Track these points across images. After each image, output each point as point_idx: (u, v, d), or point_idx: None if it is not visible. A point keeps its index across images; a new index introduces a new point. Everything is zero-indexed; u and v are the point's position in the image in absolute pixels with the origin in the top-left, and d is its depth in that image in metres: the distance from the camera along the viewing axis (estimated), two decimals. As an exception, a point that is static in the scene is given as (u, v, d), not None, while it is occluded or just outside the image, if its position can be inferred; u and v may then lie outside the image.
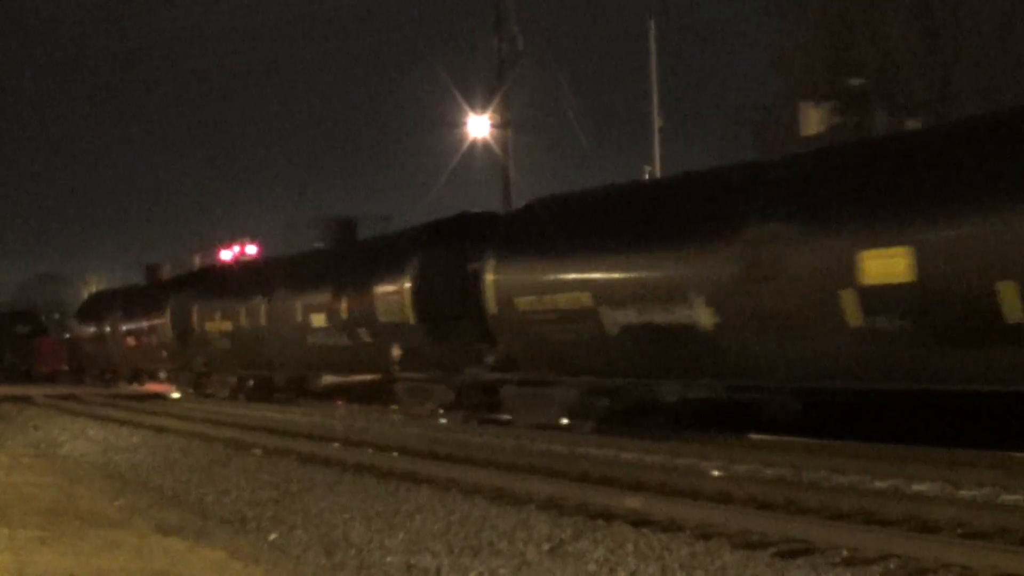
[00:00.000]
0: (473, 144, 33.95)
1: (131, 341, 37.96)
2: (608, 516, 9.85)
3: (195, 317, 31.32)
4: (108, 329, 40.05)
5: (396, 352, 21.24)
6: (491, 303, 18.06)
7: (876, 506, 9.66)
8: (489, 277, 18.12)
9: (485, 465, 13.63)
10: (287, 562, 9.93)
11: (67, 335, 51.12)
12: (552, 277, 16.92)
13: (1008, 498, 10.18)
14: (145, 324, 36.26)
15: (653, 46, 30.83)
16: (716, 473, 12.27)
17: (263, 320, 27.18)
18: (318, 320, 24.24)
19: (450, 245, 20.74)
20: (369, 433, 18.93)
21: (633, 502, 10.22)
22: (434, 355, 20.39)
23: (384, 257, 22.62)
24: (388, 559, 9.44)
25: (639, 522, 9.54)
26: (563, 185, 32.62)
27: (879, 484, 11.21)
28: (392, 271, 21.43)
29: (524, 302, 17.28)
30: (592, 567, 8.33)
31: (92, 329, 42.47)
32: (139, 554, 9.92)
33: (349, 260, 25.39)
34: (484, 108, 33.63)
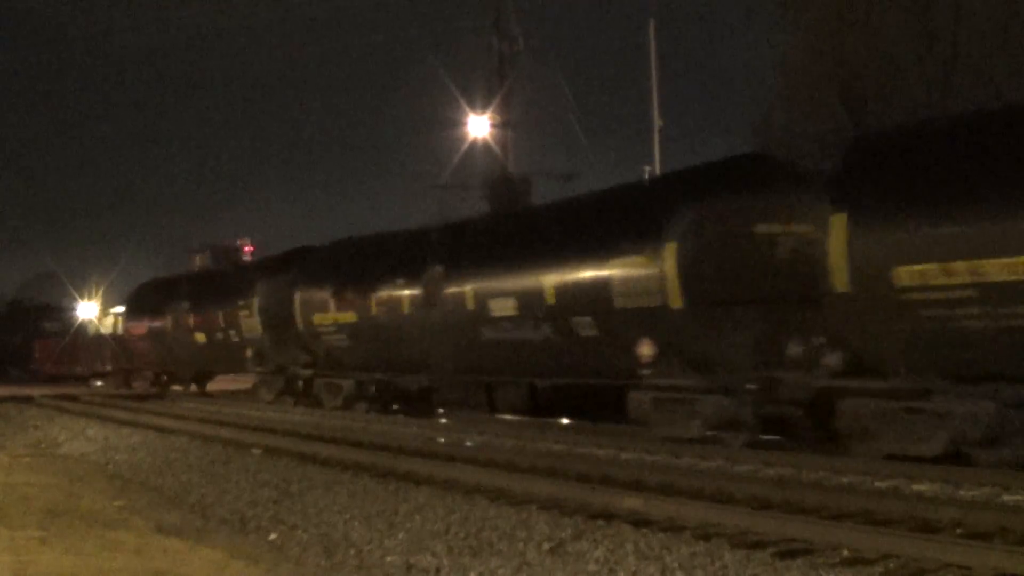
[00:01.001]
0: (473, 144, 33.95)
1: (201, 338, 31.69)
2: (608, 516, 9.86)
3: (297, 306, 25.27)
4: (169, 324, 33.73)
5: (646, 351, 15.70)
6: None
7: (876, 506, 9.66)
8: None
9: (485, 465, 13.63)
10: (287, 562, 9.94)
11: (102, 332, 46.37)
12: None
13: (1008, 498, 10.19)
14: (221, 317, 29.88)
15: (653, 46, 30.85)
16: (715, 473, 12.26)
17: (406, 308, 21.66)
18: (503, 308, 18.68)
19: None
20: (368, 433, 18.94)
21: (633, 502, 10.21)
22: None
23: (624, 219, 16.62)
24: (388, 559, 9.44)
25: (639, 522, 9.54)
26: (563, 185, 32.50)
27: (879, 484, 11.21)
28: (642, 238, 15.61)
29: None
30: (592, 567, 8.33)
31: (146, 324, 35.84)
32: (139, 554, 9.92)
33: (557, 224, 18.83)
34: (484, 108, 33.63)
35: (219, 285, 31.54)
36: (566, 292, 17.07)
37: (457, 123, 34.01)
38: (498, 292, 18.77)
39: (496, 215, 22.40)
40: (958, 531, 8.66)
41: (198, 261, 48.39)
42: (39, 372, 51.21)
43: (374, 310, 22.57)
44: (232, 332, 29.20)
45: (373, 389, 23.66)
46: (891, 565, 7.72)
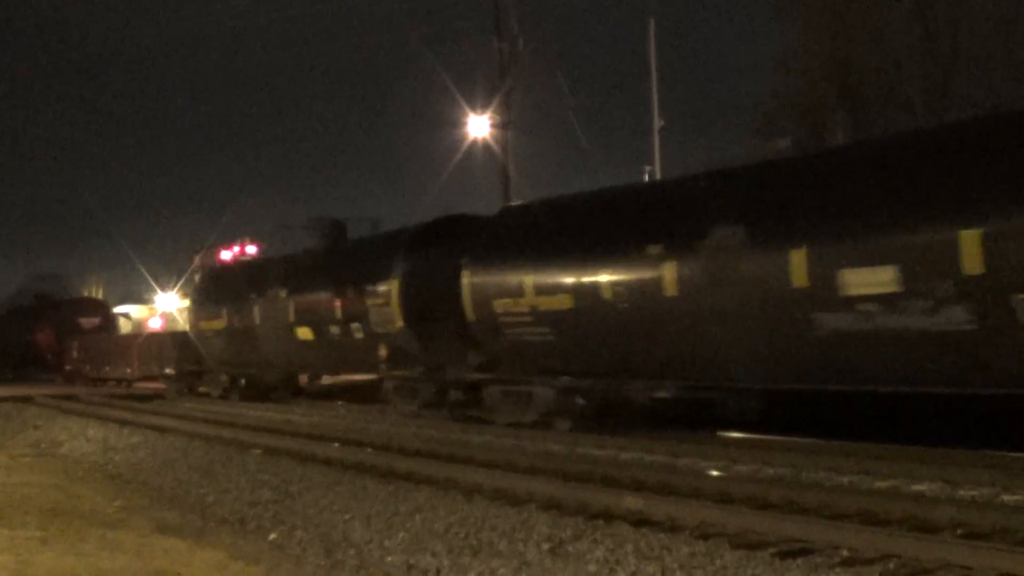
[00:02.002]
0: (473, 144, 33.96)
1: (305, 334, 24.79)
2: (608, 516, 9.86)
3: (467, 291, 18.90)
4: (256, 317, 27.08)
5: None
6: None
7: (876, 506, 9.66)
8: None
9: (485, 465, 13.63)
10: (287, 562, 9.94)
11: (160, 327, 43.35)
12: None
13: (1008, 498, 10.19)
14: (339, 306, 23.21)
15: (653, 46, 30.87)
16: (716, 473, 12.26)
17: (669, 288, 14.92)
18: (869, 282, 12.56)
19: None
20: (369, 433, 18.93)
21: (633, 502, 10.21)
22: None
23: None
24: (388, 559, 9.44)
25: (639, 522, 9.54)
26: (563, 185, 32.48)
27: (879, 484, 11.21)
28: None
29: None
30: (592, 567, 8.33)
31: (222, 318, 29.15)
32: (139, 554, 9.93)
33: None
34: (484, 108, 33.64)
35: (333, 266, 24.79)
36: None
37: (457, 123, 34.04)
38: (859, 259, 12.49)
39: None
40: (958, 531, 8.66)
41: (198, 261, 48.23)
42: (75, 374, 44.88)
43: (606, 293, 16.02)
44: (355, 326, 22.64)
45: (585, 400, 17.67)
46: (891, 565, 7.72)
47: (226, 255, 48.64)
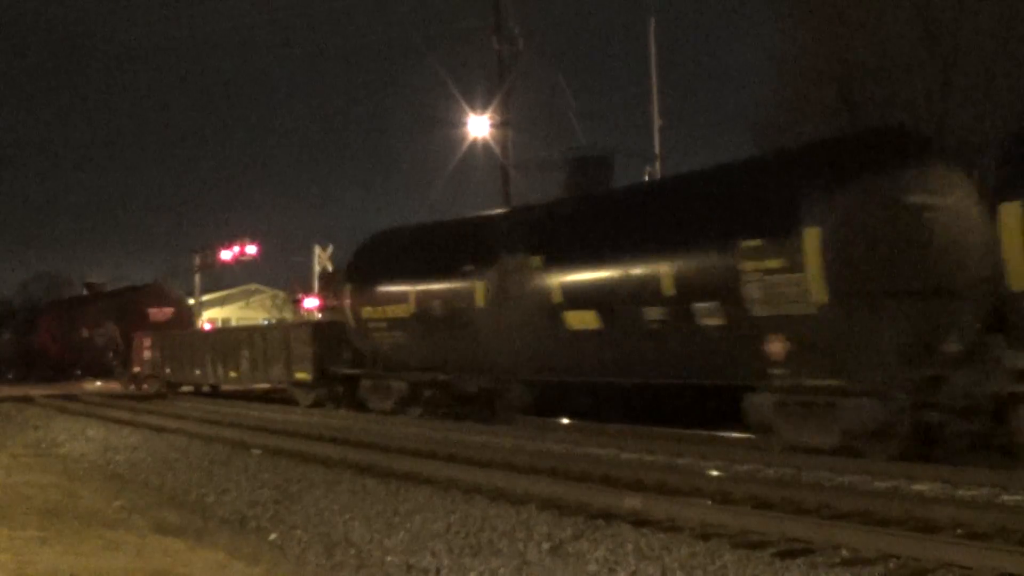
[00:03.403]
0: (473, 144, 33.94)
1: (587, 321, 17.27)
2: (608, 516, 9.86)
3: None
4: (485, 297, 19.72)
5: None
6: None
7: (876, 506, 9.66)
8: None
9: (485, 465, 13.63)
10: (287, 562, 9.94)
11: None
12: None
13: (1008, 498, 10.19)
14: (666, 276, 15.56)
15: (653, 46, 30.88)
16: (716, 473, 12.27)
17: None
18: None
19: None
20: (369, 433, 18.94)
21: (633, 502, 10.21)
22: None
23: None
24: (388, 559, 9.44)
25: (639, 522, 9.54)
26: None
27: (879, 484, 11.22)
28: None
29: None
30: (592, 567, 8.33)
31: (413, 300, 21.62)
32: (139, 554, 9.92)
33: None
34: (484, 108, 33.62)
35: (646, 215, 17.16)
36: None
37: (457, 123, 34.02)
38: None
39: None
40: (958, 531, 8.66)
41: (198, 261, 47.76)
42: (148, 378, 35.73)
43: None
44: (702, 307, 14.99)
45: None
46: (891, 565, 7.72)
47: (226, 255, 48.46)
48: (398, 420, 21.51)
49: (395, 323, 22.25)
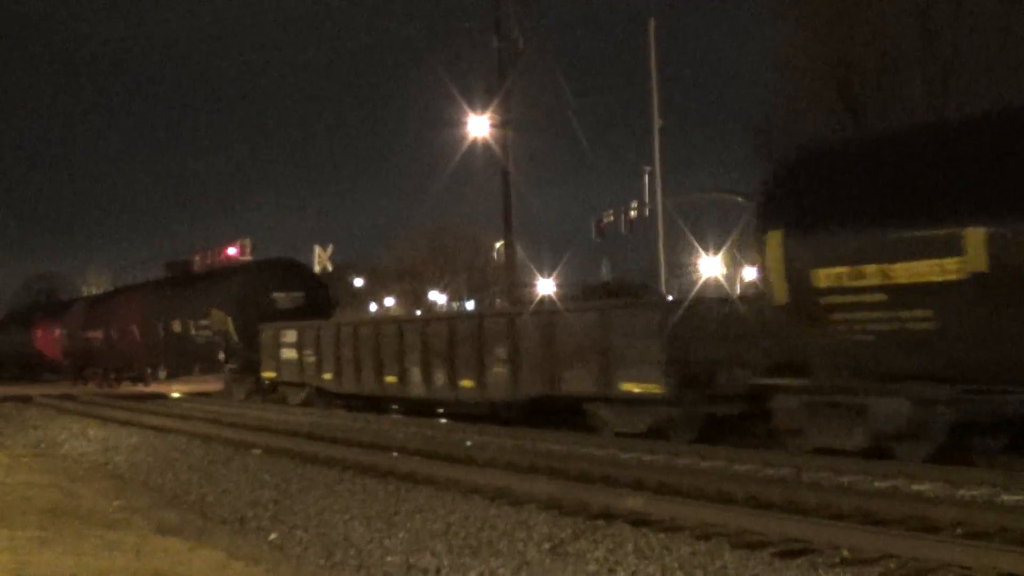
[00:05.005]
0: (473, 144, 33.93)
1: None
2: (608, 516, 9.86)
3: None
4: None
5: None
6: None
7: (876, 506, 9.66)
8: None
9: (485, 465, 13.63)
10: (287, 562, 9.93)
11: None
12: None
13: (1008, 498, 10.18)
14: None
15: (653, 46, 30.85)
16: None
17: None
18: None
19: None
20: (369, 433, 18.93)
21: (633, 502, 10.21)
22: None
23: None
24: (388, 559, 9.43)
25: (639, 522, 9.54)
26: (563, 184, 32.43)
27: (879, 484, 11.21)
28: None
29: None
30: (592, 567, 8.33)
31: (933, 252, 11.91)
32: (139, 554, 9.91)
33: None
34: (484, 108, 33.61)
35: None
36: None
37: (457, 123, 34.01)
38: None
39: None
40: (958, 531, 8.65)
41: (198, 262, 47.00)
42: (277, 385, 27.73)
43: None
44: None
45: None
46: (891, 565, 7.72)
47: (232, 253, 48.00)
48: (398, 420, 21.45)
49: (913, 293, 12.23)
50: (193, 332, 33.33)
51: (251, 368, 29.16)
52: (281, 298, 31.37)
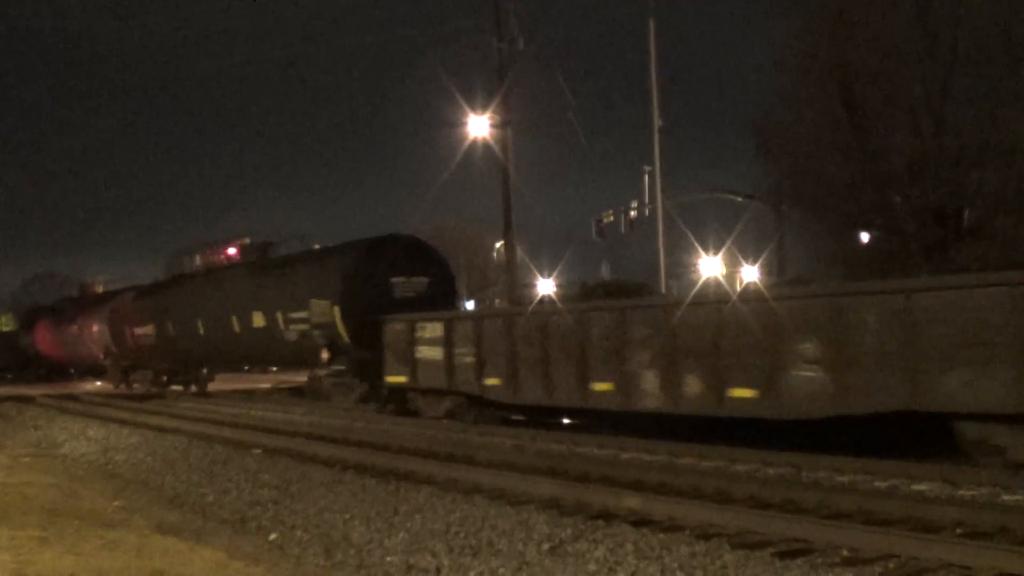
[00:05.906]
0: (473, 144, 33.91)
1: None
2: (608, 516, 9.86)
3: None
4: None
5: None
6: None
7: (876, 506, 9.66)
8: None
9: (485, 465, 13.63)
10: (287, 562, 9.93)
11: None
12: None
13: (1008, 498, 10.19)
14: None
15: (653, 46, 30.85)
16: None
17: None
18: None
19: None
20: (368, 432, 18.92)
21: (633, 502, 10.21)
22: None
23: None
24: (388, 559, 9.43)
25: (639, 522, 9.54)
26: (563, 184, 32.40)
27: (879, 484, 11.21)
28: None
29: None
30: (592, 567, 8.33)
31: None
32: (139, 554, 9.92)
33: None
34: (484, 108, 33.59)
35: None
36: None
37: (457, 123, 33.99)
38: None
39: None
40: (958, 531, 8.66)
41: (198, 261, 46.65)
42: (419, 394, 21.49)
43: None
44: None
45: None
46: (891, 565, 7.72)
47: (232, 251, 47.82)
48: (397, 420, 21.44)
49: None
50: (282, 327, 27.59)
51: (362, 370, 24.47)
52: (401, 284, 25.63)
